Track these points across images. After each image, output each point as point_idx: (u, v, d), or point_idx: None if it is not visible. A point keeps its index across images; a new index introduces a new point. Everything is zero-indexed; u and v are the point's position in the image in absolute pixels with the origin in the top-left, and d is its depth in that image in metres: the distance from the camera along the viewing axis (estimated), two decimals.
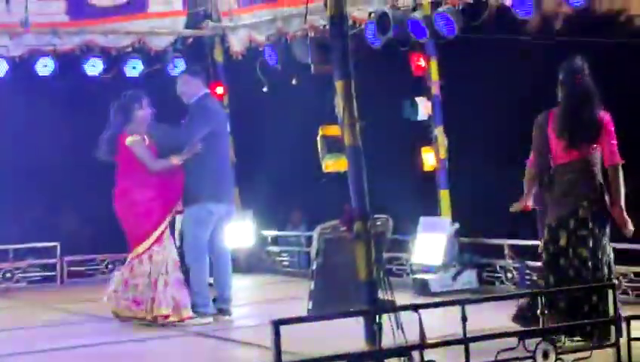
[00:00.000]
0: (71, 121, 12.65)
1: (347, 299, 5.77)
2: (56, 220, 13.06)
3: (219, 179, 8.59)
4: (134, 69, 11.84)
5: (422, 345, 4.86)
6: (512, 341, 5.25)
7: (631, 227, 6.71)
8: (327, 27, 5.53)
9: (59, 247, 12.15)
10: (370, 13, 9.70)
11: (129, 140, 8.41)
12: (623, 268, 8.51)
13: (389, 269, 9.85)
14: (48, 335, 8.18)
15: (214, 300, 8.61)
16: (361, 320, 5.14)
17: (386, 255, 7.86)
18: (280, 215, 13.70)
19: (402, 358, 4.91)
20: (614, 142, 6.72)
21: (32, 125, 12.14)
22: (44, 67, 11.46)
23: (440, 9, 9.16)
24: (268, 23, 11.62)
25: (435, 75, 10.04)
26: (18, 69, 11.43)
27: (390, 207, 7.82)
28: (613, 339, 5.47)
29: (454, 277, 9.69)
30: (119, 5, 11.90)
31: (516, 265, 9.53)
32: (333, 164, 5.71)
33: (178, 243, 8.70)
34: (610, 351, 5.43)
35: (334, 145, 5.46)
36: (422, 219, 10.11)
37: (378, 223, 5.32)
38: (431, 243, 9.95)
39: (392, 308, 5.00)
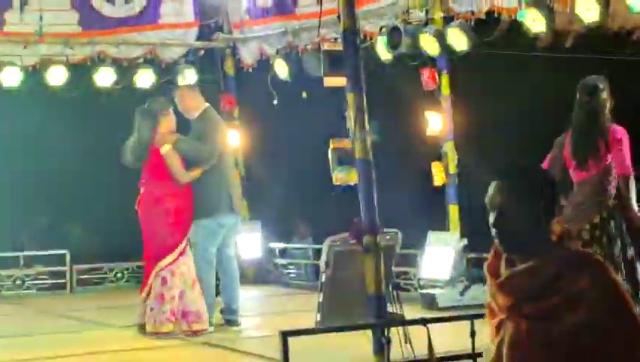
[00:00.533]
0: (81, 130, 12.69)
1: (356, 312, 5.78)
2: (66, 228, 13.09)
3: (228, 191, 8.61)
4: (145, 79, 11.89)
5: (430, 360, 4.86)
6: None
7: None
8: (339, 40, 5.55)
9: (68, 255, 12.20)
10: (381, 28, 9.73)
11: (164, 149, 8.28)
12: None
13: (397, 283, 9.84)
14: (56, 343, 8.19)
15: (221, 311, 8.61)
16: (369, 333, 5.15)
17: (394, 269, 7.87)
18: (288, 227, 13.71)
19: None
20: (625, 152, 6.71)
21: (42, 134, 12.18)
22: (56, 77, 11.52)
23: (452, 24, 9.18)
24: (279, 35, 11.67)
25: (445, 89, 10.04)
26: (31, 78, 11.49)
27: (398, 221, 7.83)
28: None
29: (462, 292, 9.66)
30: (131, 16, 11.98)
31: None
32: (344, 177, 5.72)
33: None
34: None
35: (345, 158, 5.48)
36: (430, 234, 10.10)
37: (387, 237, 5.32)
38: (439, 258, 9.93)
39: (401, 321, 5.01)
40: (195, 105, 8.68)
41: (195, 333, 8.13)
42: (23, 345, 8.17)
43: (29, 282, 11.99)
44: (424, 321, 5.01)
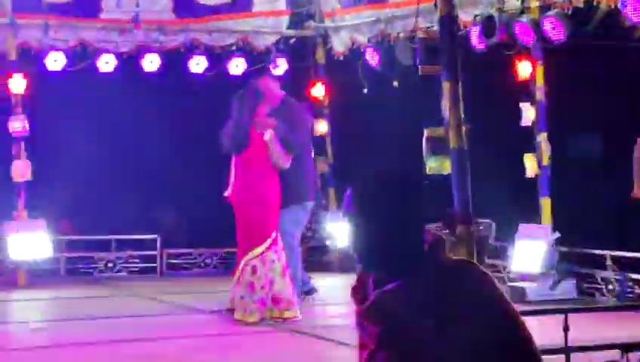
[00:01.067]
0: (173, 117, 12.85)
1: None
2: (157, 213, 13.29)
3: (312, 178, 8.75)
4: (237, 67, 11.98)
5: None
6: (615, 353, 5.14)
7: None
8: (434, 29, 5.50)
9: (159, 240, 12.40)
10: (475, 16, 9.61)
11: (268, 135, 8.31)
12: None
13: None
14: (146, 325, 8.33)
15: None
16: None
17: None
18: None
19: None
20: None
21: (136, 120, 12.35)
22: (150, 63, 11.70)
23: (548, 13, 9.01)
24: (370, 24, 11.63)
25: (540, 80, 9.87)
26: (125, 64, 11.69)
27: (489, 212, 7.76)
28: None
29: (553, 286, 9.52)
30: (225, 4, 12.06)
31: (618, 276, 9.30)
32: (436, 167, 5.68)
33: None
34: None
35: (438, 148, 5.44)
36: (521, 226, 9.97)
37: (481, 227, 5.27)
38: (530, 251, 9.79)
39: None
40: (277, 94, 8.75)
41: (286, 320, 8.16)
42: (114, 327, 8.33)
43: (121, 265, 12.23)
44: None
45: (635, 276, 9.20)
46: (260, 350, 7.35)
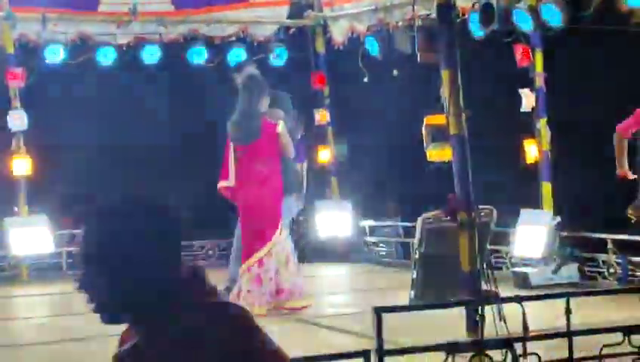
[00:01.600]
0: (173, 107, 12.87)
1: (449, 289, 5.76)
2: None
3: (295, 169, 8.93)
4: (237, 57, 11.97)
5: (525, 337, 4.82)
6: (617, 336, 5.17)
7: None
8: (433, 16, 5.52)
9: None
10: (474, 4, 9.60)
11: (281, 127, 8.31)
12: None
13: (489, 261, 9.76)
14: None
15: None
16: (463, 310, 5.13)
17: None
18: (378, 205, 13.71)
19: (504, 350, 4.88)
20: None
21: (136, 111, 12.38)
22: (150, 55, 11.69)
23: None
24: (369, 12, 11.63)
25: (539, 66, 9.87)
26: (125, 56, 11.68)
27: (490, 198, 7.77)
28: None
29: (555, 271, 9.54)
30: None
31: (619, 260, 9.33)
32: (437, 154, 5.69)
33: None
34: None
35: (439, 135, 5.45)
36: (522, 212, 9.99)
37: (482, 213, 5.28)
38: (531, 236, 9.81)
39: (496, 299, 4.97)
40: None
41: (291, 310, 8.18)
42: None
43: None
44: (519, 299, 4.98)
45: (636, 259, 9.23)
46: None
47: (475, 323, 4.95)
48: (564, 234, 9.84)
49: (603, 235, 9.59)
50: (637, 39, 9.60)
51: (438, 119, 5.39)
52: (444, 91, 5.03)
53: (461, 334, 5.26)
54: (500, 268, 10.19)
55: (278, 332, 7.61)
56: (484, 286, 5.20)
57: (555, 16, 9.01)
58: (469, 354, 4.76)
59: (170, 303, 2.23)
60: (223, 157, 8.56)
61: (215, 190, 8.71)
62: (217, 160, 8.83)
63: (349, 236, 12.45)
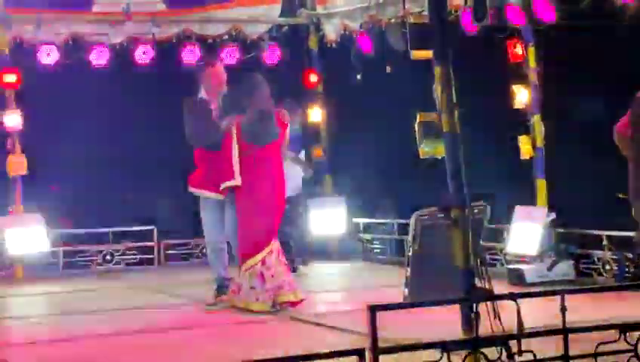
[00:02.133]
0: (168, 107, 12.84)
1: (443, 286, 5.74)
2: (153, 204, 13.29)
3: None
4: (230, 56, 11.96)
5: (520, 335, 4.80)
6: (613, 333, 5.15)
7: None
8: (425, 13, 5.51)
9: (155, 231, 12.41)
10: (466, 0, 9.61)
11: (289, 126, 8.51)
12: None
13: (484, 258, 9.75)
14: (148, 317, 8.34)
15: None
16: (458, 307, 5.11)
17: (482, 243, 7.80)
18: (372, 202, 13.70)
19: (499, 347, 4.86)
20: None
21: (130, 111, 12.35)
22: (143, 55, 11.68)
23: None
24: (362, 10, 11.64)
25: (532, 61, 9.88)
26: (118, 56, 11.67)
27: (485, 195, 7.76)
28: None
29: (550, 268, 9.54)
30: None
31: (615, 256, 9.33)
32: (431, 150, 5.68)
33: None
34: None
35: (431, 132, 5.44)
36: (517, 208, 9.98)
37: (476, 210, 5.27)
38: (526, 233, 9.81)
39: (490, 296, 4.95)
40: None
41: (291, 304, 8.21)
42: (113, 319, 8.34)
43: (118, 257, 12.24)
44: (514, 296, 4.96)
45: (631, 256, 9.22)
46: (259, 338, 7.36)
47: (469, 320, 4.94)
48: (560, 230, 9.83)
49: (598, 232, 9.58)
50: (630, 34, 9.60)
51: (431, 116, 5.38)
52: (437, 88, 5.01)
53: (456, 332, 5.23)
54: (495, 265, 10.19)
55: (272, 330, 7.63)
56: (478, 284, 5.18)
57: (548, 12, 9.01)
58: (463, 352, 4.75)
59: None
60: (218, 157, 8.41)
61: None
62: None
63: (342, 233, 12.45)
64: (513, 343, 4.82)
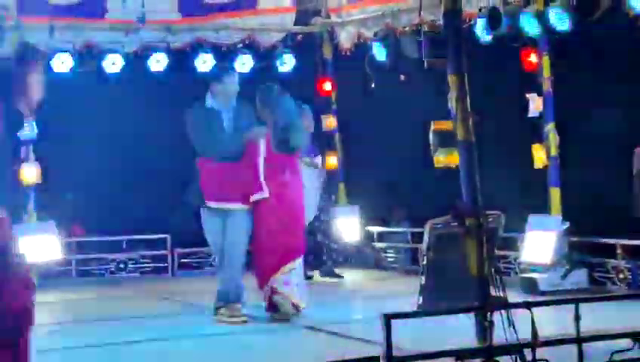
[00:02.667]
0: (181, 116, 12.87)
1: (457, 295, 5.73)
2: (166, 213, 13.33)
3: None
4: (244, 65, 11.98)
5: (534, 343, 4.80)
6: (627, 342, 5.15)
7: None
8: (440, 22, 5.51)
9: (169, 239, 12.44)
10: (480, 9, 9.60)
11: None
12: None
13: (498, 267, 9.73)
14: (163, 325, 8.35)
15: None
16: (472, 316, 5.11)
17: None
18: (385, 211, 13.70)
19: (513, 356, 4.86)
20: None
21: (144, 120, 12.39)
22: (157, 63, 11.71)
23: (553, 3, 9.01)
24: (376, 18, 11.64)
25: (547, 71, 9.85)
26: (132, 64, 11.71)
27: (499, 204, 7.75)
28: None
29: (564, 277, 9.51)
30: (230, 2, 12.09)
31: (629, 265, 9.30)
32: (445, 159, 5.68)
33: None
34: None
35: (446, 140, 5.44)
36: (531, 217, 9.96)
37: (490, 219, 5.26)
38: (540, 242, 9.79)
39: (505, 305, 4.95)
40: None
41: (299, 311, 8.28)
42: (126, 327, 8.35)
43: (132, 265, 12.27)
44: (528, 305, 4.95)
45: None
46: (272, 347, 7.37)
47: (483, 329, 4.94)
48: (573, 239, 9.81)
49: (612, 240, 9.56)
50: None
51: (446, 124, 5.37)
52: (451, 96, 5.01)
53: (470, 340, 5.23)
54: (509, 274, 10.17)
55: (285, 339, 7.63)
56: (492, 292, 5.17)
57: (562, 21, 9.00)
58: (478, 360, 4.75)
59: None
60: (240, 168, 8.35)
61: None
62: None
63: (357, 242, 12.45)
64: (527, 352, 4.82)
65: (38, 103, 9.15)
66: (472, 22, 9.63)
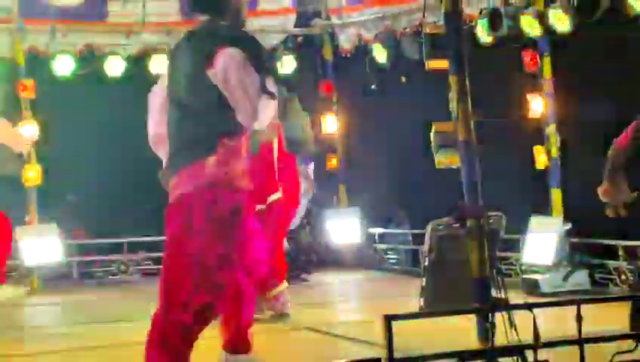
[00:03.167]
0: None
1: (459, 297, 5.73)
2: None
3: None
4: None
5: (536, 345, 4.79)
6: (629, 343, 5.14)
7: None
8: (441, 23, 5.52)
9: None
10: (481, 10, 9.61)
11: None
12: None
13: (499, 268, 9.73)
14: None
15: None
16: (473, 317, 5.11)
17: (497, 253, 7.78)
18: (386, 212, 13.70)
19: (515, 358, 4.85)
20: None
21: (145, 122, 12.38)
22: (159, 65, 11.71)
23: (554, 4, 9.02)
24: (376, 20, 11.66)
25: (547, 72, 9.86)
26: (133, 67, 11.73)
27: (500, 205, 7.74)
28: None
29: (565, 278, 9.50)
30: None
31: (630, 266, 9.30)
32: (446, 161, 5.68)
33: None
34: None
35: (447, 141, 5.44)
36: (532, 218, 9.96)
37: (491, 220, 5.26)
38: (541, 243, 9.79)
39: (506, 306, 4.95)
40: None
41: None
42: (127, 329, 8.34)
43: (133, 267, 12.26)
44: (530, 306, 4.95)
45: None
46: (272, 348, 7.36)
47: (485, 330, 4.93)
48: (575, 240, 9.81)
49: (614, 242, 9.55)
50: None
51: (447, 126, 5.38)
52: (452, 98, 5.02)
53: (472, 342, 5.23)
54: (510, 275, 10.17)
55: (286, 339, 7.63)
56: (494, 294, 5.17)
57: (562, 22, 9.00)
58: None
59: None
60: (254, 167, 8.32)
61: None
62: None
63: (358, 243, 12.45)
64: (529, 353, 4.81)
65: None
66: (472, 23, 9.64)
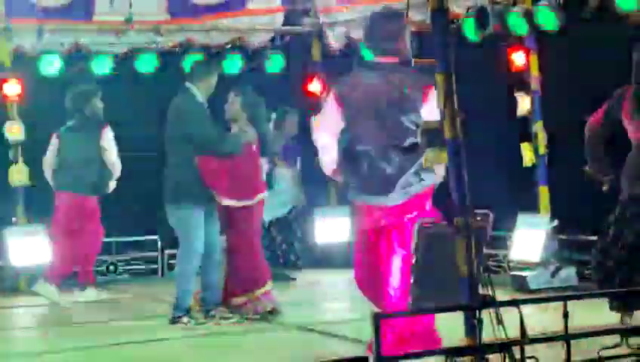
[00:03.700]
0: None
1: (447, 294, 5.74)
2: (156, 215, 13.31)
3: None
4: (233, 65, 11.99)
5: (523, 341, 4.82)
6: (615, 339, 5.18)
7: None
8: (427, 22, 5.53)
9: (159, 241, 12.42)
10: (468, 8, 9.63)
11: None
12: None
13: (487, 265, 9.76)
14: (156, 326, 8.35)
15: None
16: (461, 315, 5.12)
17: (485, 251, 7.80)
18: None
19: (502, 354, 4.87)
20: None
21: (133, 121, 12.37)
22: (146, 64, 11.72)
23: (540, 2, 9.05)
24: (365, 19, 11.62)
25: (534, 69, 9.90)
26: (121, 66, 11.71)
27: (487, 203, 7.76)
28: None
29: (553, 274, 9.55)
30: (219, 3, 12.08)
31: None
32: (434, 158, 5.68)
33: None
34: None
35: (434, 139, 5.44)
36: (520, 215, 9.99)
37: (479, 218, 5.28)
38: (529, 240, 9.83)
39: (494, 303, 4.96)
40: None
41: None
42: (116, 329, 8.35)
43: (122, 267, 12.25)
44: (516, 302, 4.97)
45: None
46: (262, 347, 7.37)
47: (472, 327, 4.94)
48: (562, 237, 9.84)
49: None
50: (632, 42, 9.62)
51: (434, 124, 5.39)
52: (439, 96, 5.03)
53: (460, 339, 5.24)
54: (498, 273, 10.20)
55: (276, 339, 7.64)
56: (481, 291, 5.19)
57: (549, 20, 9.03)
58: (467, 359, 4.76)
59: None
60: (242, 166, 8.40)
61: None
62: None
63: (347, 242, 12.44)
64: (516, 349, 4.83)
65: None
66: (459, 21, 9.66)
